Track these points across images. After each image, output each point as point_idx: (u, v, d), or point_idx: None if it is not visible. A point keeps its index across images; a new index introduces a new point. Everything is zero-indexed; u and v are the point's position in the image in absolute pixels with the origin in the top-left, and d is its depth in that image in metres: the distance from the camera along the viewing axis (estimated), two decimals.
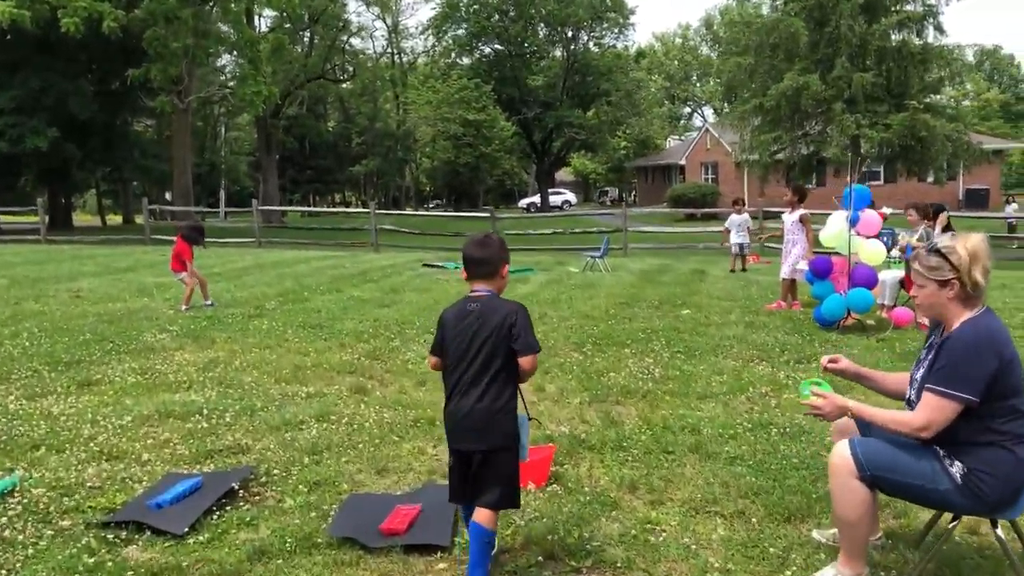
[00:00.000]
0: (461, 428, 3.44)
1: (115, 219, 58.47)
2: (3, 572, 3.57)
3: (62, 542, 3.82)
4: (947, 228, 9.60)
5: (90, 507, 4.18)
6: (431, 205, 75.61)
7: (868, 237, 8.74)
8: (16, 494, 4.31)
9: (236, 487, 4.35)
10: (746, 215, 16.74)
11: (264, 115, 42.91)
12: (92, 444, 5.15)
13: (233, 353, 7.94)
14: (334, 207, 73.30)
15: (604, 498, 4.28)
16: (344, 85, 65.16)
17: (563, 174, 79.12)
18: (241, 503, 4.26)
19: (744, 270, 15.82)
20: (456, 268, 15.95)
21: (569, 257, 19.88)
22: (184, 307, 10.51)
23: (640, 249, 22.26)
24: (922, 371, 3.28)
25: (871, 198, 8.98)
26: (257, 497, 4.35)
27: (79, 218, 62.03)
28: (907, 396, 3.45)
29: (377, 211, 25.56)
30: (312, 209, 53.92)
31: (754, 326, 9.02)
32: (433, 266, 16.23)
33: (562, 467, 4.78)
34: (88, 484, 4.49)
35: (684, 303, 10.77)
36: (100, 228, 46.21)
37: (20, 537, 3.86)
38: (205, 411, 5.88)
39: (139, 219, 32.27)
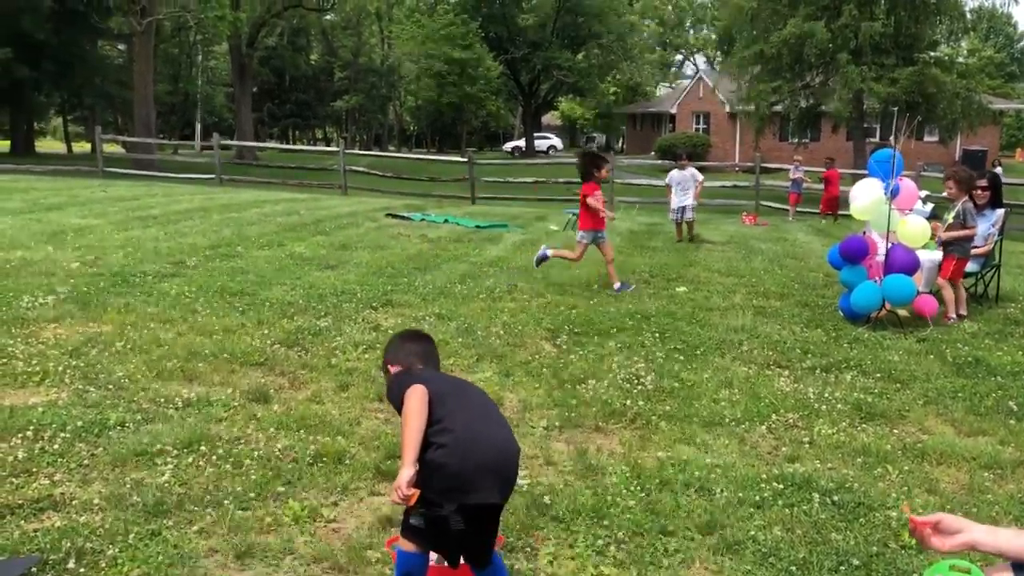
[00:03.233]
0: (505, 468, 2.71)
1: (84, 147, 55.97)
2: None
3: None
4: (995, 200, 8.04)
5: None
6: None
7: (905, 212, 7.17)
8: None
9: None
10: (691, 170, 13.20)
11: (237, 43, 40.45)
12: None
13: (122, 329, 6.33)
14: (315, 144, 70.85)
15: None
16: (327, 17, 62.28)
17: (550, 118, 76.75)
18: None
19: (691, 239, 12.71)
20: (423, 220, 14.28)
21: (551, 210, 18.23)
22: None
23: (626, 203, 20.59)
24: None
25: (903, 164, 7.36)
26: None
27: (45, 145, 59.58)
28: None
29: (347, 151, 23.67)
30: (284, 146, 51.65)
31: (765, 313, 7.48)
32: (398, 216, 14.55)
33: (510, 552, 3.26)
34: None
35: (679, 277, 9.20)
36: (64, 156, 43.96)
37: None
38: (37, 426, 4.29)
39: (109, 148, 30.20)
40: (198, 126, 55.94)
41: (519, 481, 3.83)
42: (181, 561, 3.12)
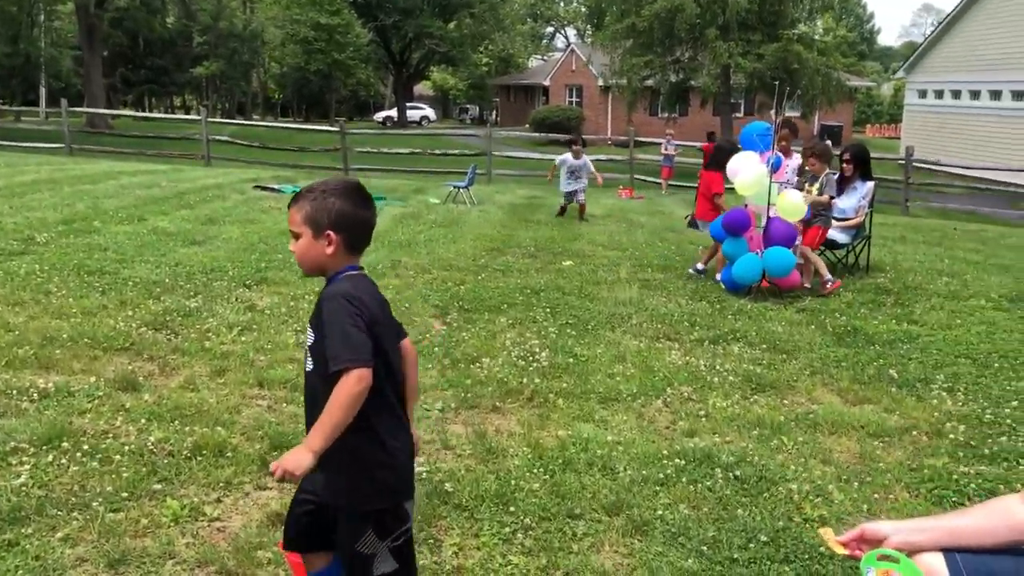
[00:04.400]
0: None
1: None
2: None
3: None
4: (865, 173, 8.33)
5: None
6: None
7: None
8: None
9: None
10: (586, 160, 12.36)
11: (84, 3, 37.81)
12: None
13: None
14: (173, 112, 67.43)
15: None
16: None
17: (422, 88, 75.71)
18: None
19: (583, 219, 12.02)
20: (293, 191, 13.70)
21: (428, 183, 17.93)
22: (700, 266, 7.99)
23: (504, 176, 20.50)
24: None
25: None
26: None
27: None
28: None
29: (210, 120, 22.53)
30: (141, 114, 48.83)
31: (650, 286, 7.50)
32: (266, 188, 13.92)
33: (416, 545, 3.07)
34: None
35: (564, 251, 9.14)
36: None
37: None
38: None
39: None
40: (43, 91, 52.19)
41: (417, 468, 3.65)
42: (44, 574, 2.79)
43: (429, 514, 3.30)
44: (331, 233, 2.24)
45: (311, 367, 2.29)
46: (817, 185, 7.70)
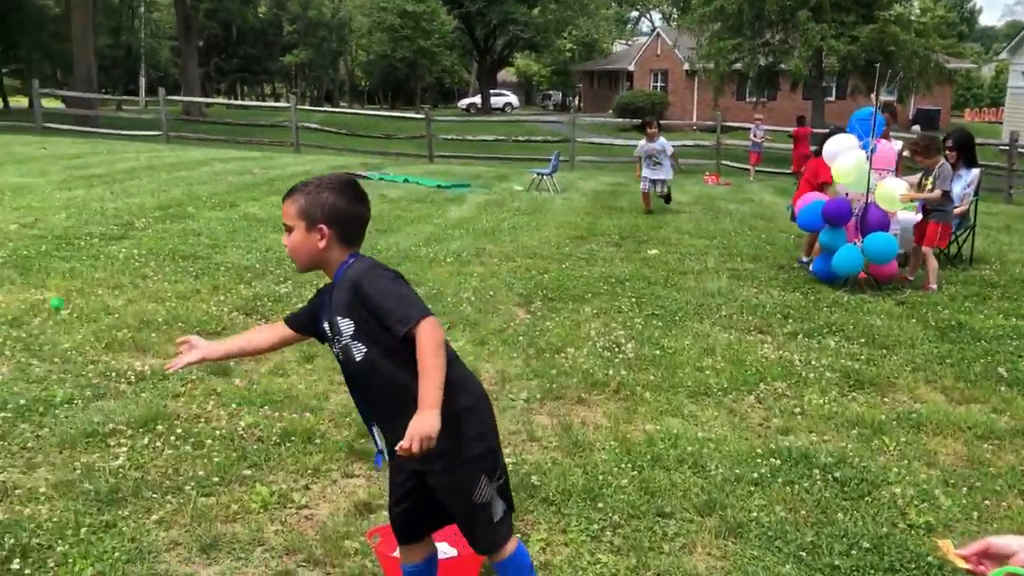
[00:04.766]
0: None
1: (21, 101, 53.78)
2: None
3: None
4: (970, 160, 7.90)
5: None
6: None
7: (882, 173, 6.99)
8: None
9: None
10: (662, 141, 11.19)
11: None
12: None
13: (67, 295, 5.93)
14: (263, 99, 69.12)
15: None
16: None
17: (505, 75, 75.74)
18: None
19: (668, 202, 11.35)
20: (381, 179, 13.86)
21: (512, 170, 17.88)
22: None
23: (587, 162, 20.32)
24: None
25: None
26: None
27: None
28: None
29: (299, 107, 22.96)
30: (233, 102, 50.13)
31: (740, 276, 7.30)
32: (354, 175, 14.08)
33: None
34: None
35: (650, 239, 8.98)
36: None
37: None
38: None
39: (48, 104, 28.74)
40: (142, 81, 54.07)
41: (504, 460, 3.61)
42: (140, 556, 2.84)
43: (516, 507, 3.24)
44: (323, 227, 2.24)
45: (362, 354, 2.23)
46: (931, 178, 7.17)
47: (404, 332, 2.10)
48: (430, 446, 2.06)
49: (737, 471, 3.58)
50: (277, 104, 50.78)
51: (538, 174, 14.19)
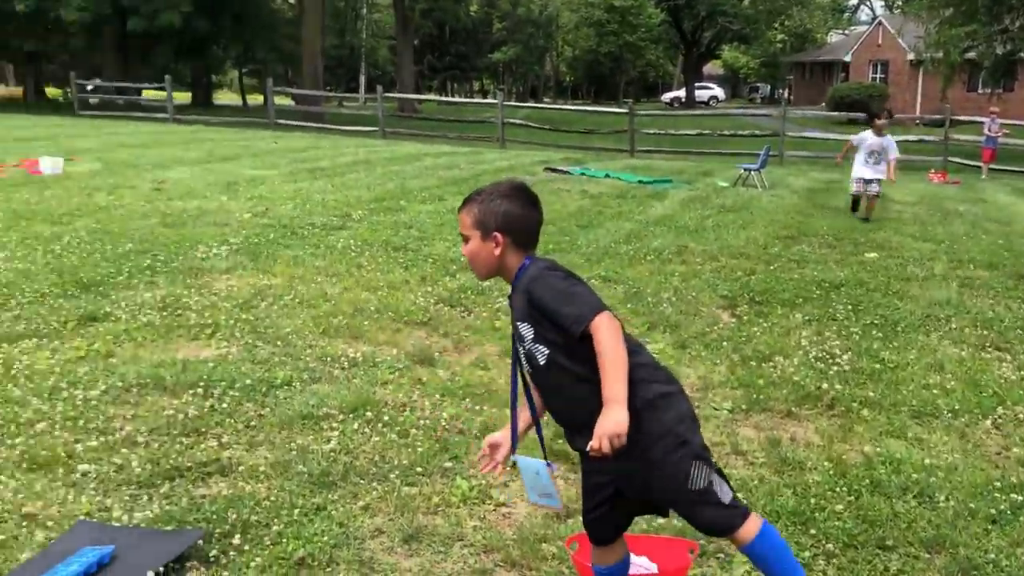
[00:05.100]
0: None
1: (258, 99, 58.53)
2: None
3: None
4: None
5: None
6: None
7: None
8: None
9: (163, 571, 2.66)
10: (889, 140, 9.89)
11: None
12: (24, 435, 3.60)
13: (290, 282, 6.34)
14: (471, 96, 71.39)
15: None
16: None
17: (711, 67, 73.91)
18: None
19: (867, 220, 9.70)
20: (582, 174, 13.85)
21: (716, 165, 17.37)
22: None
23: (798, 158, 19.40)
24: None
25: None
26: None
27: (223, 97, 62.72)
28: None
29: (506, 103, 23.45)
30: (444, 98, 52.08)
31: (972, 286, 6.67)
32: (556, 171, 14.18)
33: (701, 557, 2.88)
34: None
35: (867, 242, 8.40)
36: (239, 109, 46.03)
37: None
38: (208, 382, 4.26)
39: (279, 101, 31.08)
40: (362, 79, 57.31)
41: None
42: (346, 542, 2.94)
43: None
44: (498, 235, 2.22)
45: (544, 356, 2.20)
46: None
47: (580, 331, 2.08)
48: (621, 443, 2.00)
49: (971, 505, 3.23)
50: (484, 100, 52.23)
51: (745, 169, 13.69)
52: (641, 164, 17.02)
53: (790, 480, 3.45)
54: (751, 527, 2.22)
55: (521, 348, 2.28)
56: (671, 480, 2.20)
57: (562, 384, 2.24)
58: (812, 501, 3.25)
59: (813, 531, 3.04)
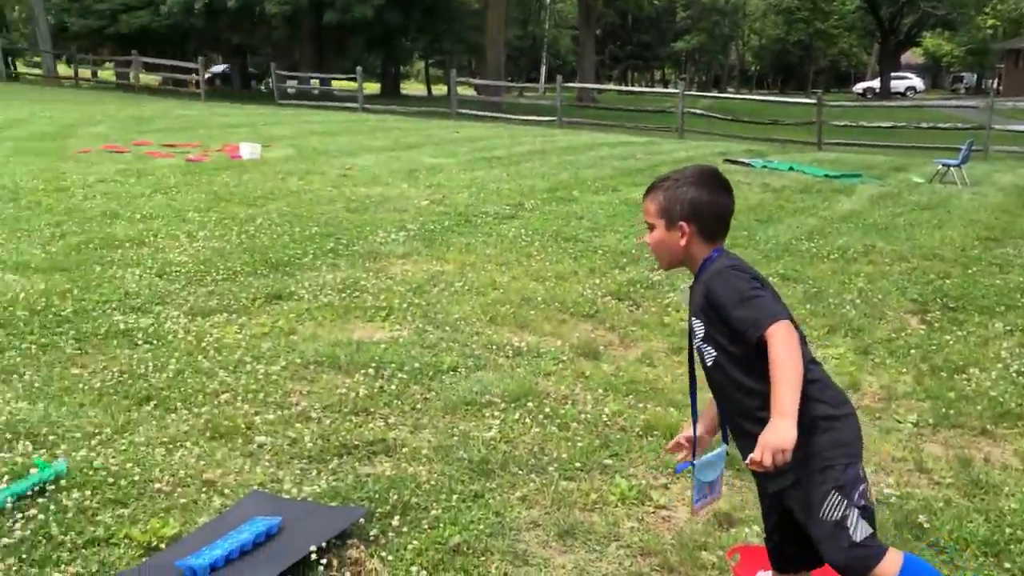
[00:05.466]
0: None
1: (442, 89, 60.39)
2: None
3: None
4: None
5: (114, 540, 2.81)
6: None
7: None
8: (49, 492, 3.05)
9: (325, 546, 2.75)
10: None
11: None
12: (209, 405, 3.85)
13: (462, 269, 6.46)
14: (652, 85, 70.52)
15: None
16: None
17: (909, 56, 69.23)
18: None
19: None
20: (765, 167, 13.33)
21: (911, 160, 16.25)
22: None
23: (1006, 153, 17.83)
24: None
25: None
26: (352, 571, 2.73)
27: (409, 88, 65.12)
28: None
29: (687, 92, 22.92)
30: (623, 88, 51.67)
31: None
32: (737, 162, 13.72)
33: None
34: (155, 486, 3.14)
35: None
36: (424, 98, 47.62)
37: None
38: (379, 363, 4.40)
39: (461, 91, 31.91)
40: (543, 68, 57.87)
41: (886, 491, 3.22)
42: (502, 532, 2.94)
43: (898, 548, 2.86)
44: (684, 224, 2.11)
45: (712, 358, 2.11)
46: None
47: (756, 337, 1.96)
48: (784, 460, 1.88)
49: None
50: (665, 90, 51.39)
51: (944, 165, 12.73)
52: (829, 157, 16.18)
53: (982, 505, 3.15)
54: (889, 567, 2.05)
55: (693, 344, 2.21)
56: (805, 503, 2.06)
57: (725, 389, 2.15)
58: (1008, 531, 2.95)
59: (1008, 564, 2.76)
